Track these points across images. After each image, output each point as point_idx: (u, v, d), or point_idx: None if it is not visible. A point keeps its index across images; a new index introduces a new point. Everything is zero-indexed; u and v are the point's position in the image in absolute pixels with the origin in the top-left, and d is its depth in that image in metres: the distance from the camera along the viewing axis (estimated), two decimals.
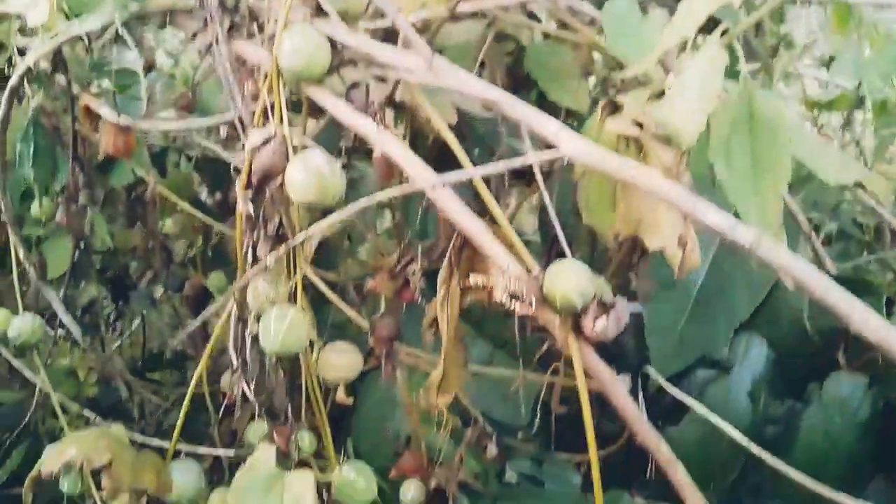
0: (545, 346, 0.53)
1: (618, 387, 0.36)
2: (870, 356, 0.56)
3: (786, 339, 0.59)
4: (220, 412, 0.68)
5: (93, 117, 0.59)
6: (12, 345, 0.53)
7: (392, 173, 0.62)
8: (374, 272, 0.61)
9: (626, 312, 0.35)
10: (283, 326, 0.36)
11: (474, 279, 0.34)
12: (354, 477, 0.41)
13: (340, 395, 0.64)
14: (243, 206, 0.38)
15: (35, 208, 0.64)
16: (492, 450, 0.60)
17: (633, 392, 0.42)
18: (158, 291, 1.14)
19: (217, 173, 0.95)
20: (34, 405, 0.60)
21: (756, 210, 0.39)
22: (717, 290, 0.62)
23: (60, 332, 0.74)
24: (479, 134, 0.64)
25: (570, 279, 0.34)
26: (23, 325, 0.52)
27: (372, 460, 0.61)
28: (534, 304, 0.35)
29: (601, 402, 0.78)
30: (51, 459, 0.39)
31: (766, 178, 0.39)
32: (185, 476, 0.42)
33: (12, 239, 0.50)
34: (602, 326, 0.34)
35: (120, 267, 0.96)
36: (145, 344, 1.13)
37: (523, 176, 0.76)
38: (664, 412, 0.69)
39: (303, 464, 0.43)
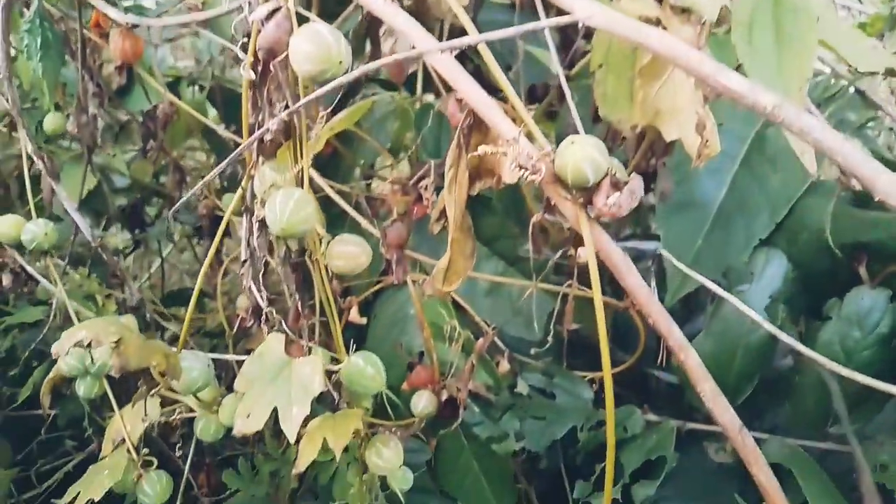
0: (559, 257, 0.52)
1: (629, 266, 0.35)
2: (892, 270, 0.54)
3: (806, 256, 0.57)
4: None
5: (101, 29, 0.59)
6: (27, 250, 0.53)
7: (402, 72, 0.61)
8: (388, 187, 0.61)
9: (641, 189, 0.34)
10: (288, 205, 0.36)
11: (483, 150, 0.33)
12: (363, 364, 0.41)
13: (353, 314, 0.64)
14: (248, 84, 0.38)
15: (47, 122, 0.64)
16: (504, 364, 0.60)
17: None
18: (175, 232, 1.15)
19: (230, 104, 0.94)
20: (52, 316, 0.61)
21: (780, 91, 0.37)
22: (736, 207, 0.61)
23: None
24: (497, 51, 0.63)
25: (583, 151, 0.33)
26: (36, 229, 0.53)
27: (387, 377, 0.61)
28: (544, 177, 0.34)
29: (618, 327, 0.77)
30: (63, 342, 0.39)
31: (791, 57, 0.37)
32: (193, 364, 0.42)
33: (21, 136, 0.50)
34: (615, 200, 0.33)
35: (136, 202, 0.96)
36: (164, 278, 1.14)
37: (539, 100, 0.74)
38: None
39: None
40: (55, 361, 0.80)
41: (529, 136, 0.35)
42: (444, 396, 0.58)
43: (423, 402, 0.57)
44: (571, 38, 0.71)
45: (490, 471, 0.60)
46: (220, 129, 0.92)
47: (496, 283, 0.63)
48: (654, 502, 0.66)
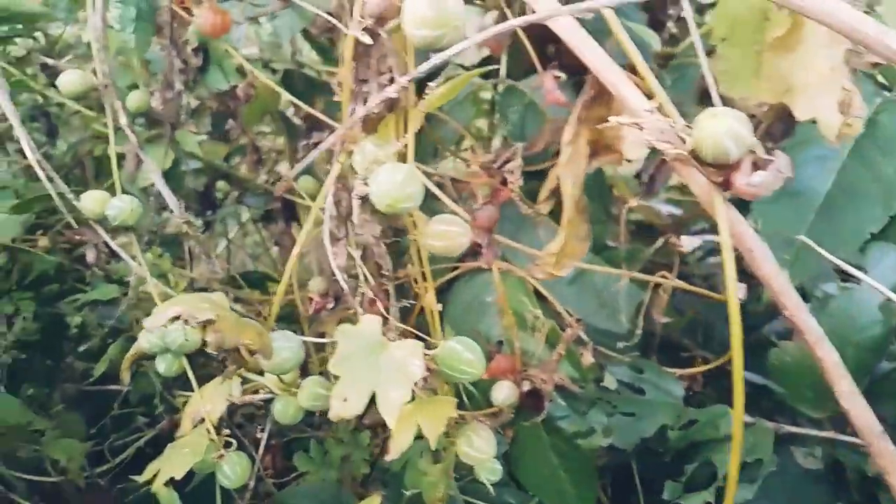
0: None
1: (766, 254, 0.33)
2: None
3: None
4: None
5: (181, 3, 0.58)
6: (112, 224, 0.53)
7: (501, 45, 0.59)
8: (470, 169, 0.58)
9: (788, 168, 0.31)
10: (396, 179, 0.34)
11: (617, 121, 0.30)
12: (461, 349, 0.39)
13: (429, 301, 0.62)
14: (352, 55, 0.36)
15: (131, 99, 0.63)
16: (588, 356, 0.58)
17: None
18: (244, 214, 1.16)
19: (304, 87, 0.94)
20: (131, 292, 0.60)
21: None
22: (845, 198, 0.56)
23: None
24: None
25: (726, 124, 0.30)
26: (122, 204, 0.52)
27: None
28: (679, 153, 0.31)
29: (704, 324, 0.74)
30: (155, 317, 0.38)
31: None
32: (284, 344, 0.41)
33: (108, 110, 0.49)
34: (759, 180, 0.30)
35: (209, 183, 0.97)
36: (229, 260, 1.14)
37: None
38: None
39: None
40: (130, 338, 0.81)
41: (660, 110, 0.32)
42: (526, 387, 0.56)
43: (504, 393, 0.54)
44: (661, 19, 0.67)
45: (570, 465, 0.58)
46: (291, 113, 0.92)
47: (581, 271, 0.60)
48: None
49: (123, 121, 0.49)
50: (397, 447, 0.40)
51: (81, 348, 0.96)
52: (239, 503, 0.68)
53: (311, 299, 0.74)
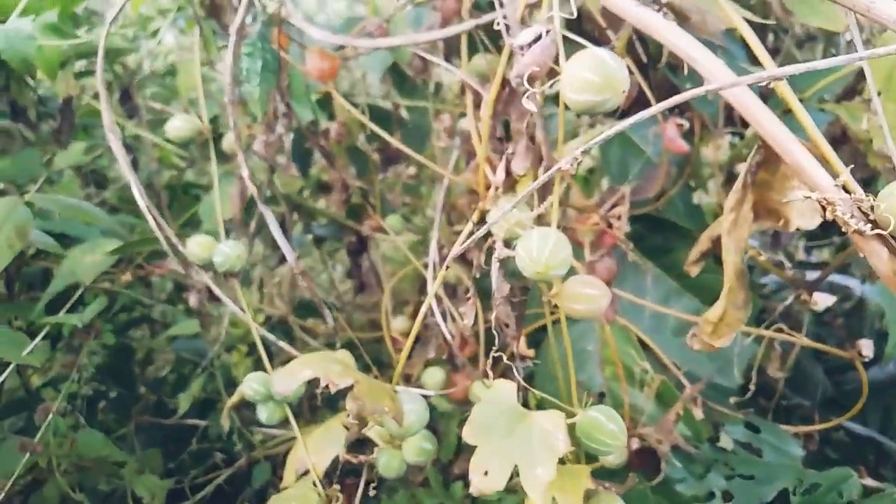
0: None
1: None
2: None
3: None
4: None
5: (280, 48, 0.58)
6: (219, 270, 0.52)
7: (631, 96, 0.57)
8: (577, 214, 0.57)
9: None
10: (547, 246, 0.33)
11: (810, 195, 0.28)
12: (604, 420, 0.37)
13: (522, 347, 0.61)
14: (489, 122, 0.35)
15: (226, 141, 0.64)
16: (697, 412, 0.55)
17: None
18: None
19: (380, 122, 0.93)
20: (222, 332, 0.60)
21: None
22: None
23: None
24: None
25: None
26: (228, 251, 0.52)
27: None
28: (858, 226, 0.29)
29: (830, 371, 0.70)
30: (287, 379, 0.37)
31: None
32: (413, 406, 0.40)
33: (211, 150, 0.49)
34: None
35: (284, 216, 0.97)
36: (294, 289, 1.14)
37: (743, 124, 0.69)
38: None
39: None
40: (211, 373, 0.81)
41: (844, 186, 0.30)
42: (636, 445, 0.53)
43: (616, 452, 0.52)
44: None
45: None
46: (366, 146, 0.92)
47: (687, 322, 0.58)
48: None
49: (245, 173, 0.49)
50: None
51: (156, 380, 0.97)
52: None
53: (394, 339, 0.73)
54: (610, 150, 0.61)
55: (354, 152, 0.88)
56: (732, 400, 0.56)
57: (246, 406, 0.82)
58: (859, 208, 0.29)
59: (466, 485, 0.64)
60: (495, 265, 0.36)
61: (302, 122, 0.70)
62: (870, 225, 0.28)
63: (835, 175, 0.30)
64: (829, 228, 0.87)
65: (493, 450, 0.35)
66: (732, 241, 0.33)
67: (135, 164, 0.92)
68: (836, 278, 0.76)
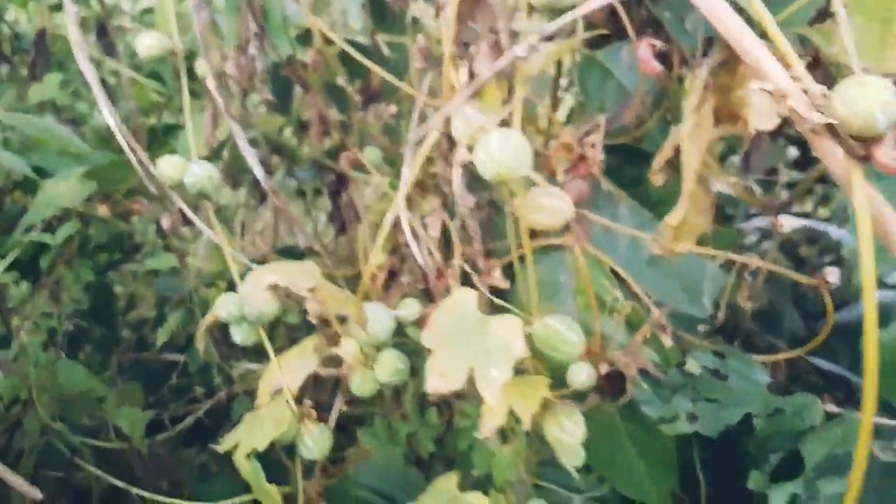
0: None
1: None
2: None
3: None
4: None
5: None
6: (191, 191, 0.52)
7: (604, 14, 0.57)
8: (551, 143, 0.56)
9: None
10: (507, 147, 0.33)
11: (759, 87, 0.28)
12: (562, 329, 0.37)
13: (497, 278, 0.61)
14: (449, 24, 0.34)
15: (200, 66, 0.63)
16: (667, 340, 0.56)
17: None
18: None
19: (359, 61, 0.92)
20: (199, 261, 0.60)
21: None
22: None
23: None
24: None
25: (875, 95, 0.28)
26: (201, 171, 0.52)
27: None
28: (815, 124, 0.29)
29: (806, 317, 0.71)
30: (251, 284, 0.37)
31: None
32: (379, 318, 0.40)
33: (182, 70, 0.48)
34: None
35: (264, 156, 0.96)
36: (276, 233, 1.14)
37: None
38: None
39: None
40: (189, 309, 0.81)
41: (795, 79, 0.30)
42: (605, 370, 0.54)
43: (583, 375, 0.53)
44: None
45: (646, 452, 0.56)
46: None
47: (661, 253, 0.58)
48: (811, 499, 0.61)
49: (212, 84, 0.48)
50: (490, 426, 0.39)
51: (136, 317, 0.97)
52: (297, 477, 0.68)
53: (373, 274, 0.73)
54: (588, 81, 0.60)
55: (334, 91, 0.87)
56: (702, 329, 0.56)
57: (225, 342, 0.83)
58: (814, 105, 0.29)
59: (441, 412, 0.66)
60: (457, 172, 0.36)
61: (281, 56, 0.69)
62: (823, 119, 0.28)
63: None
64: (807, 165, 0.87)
65: (450, 353, 0.36)
66: (693, 145, 0.33)
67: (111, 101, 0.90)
68: (817, 226, 0.77)
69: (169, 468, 0.76)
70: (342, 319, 0.39)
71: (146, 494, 0.73)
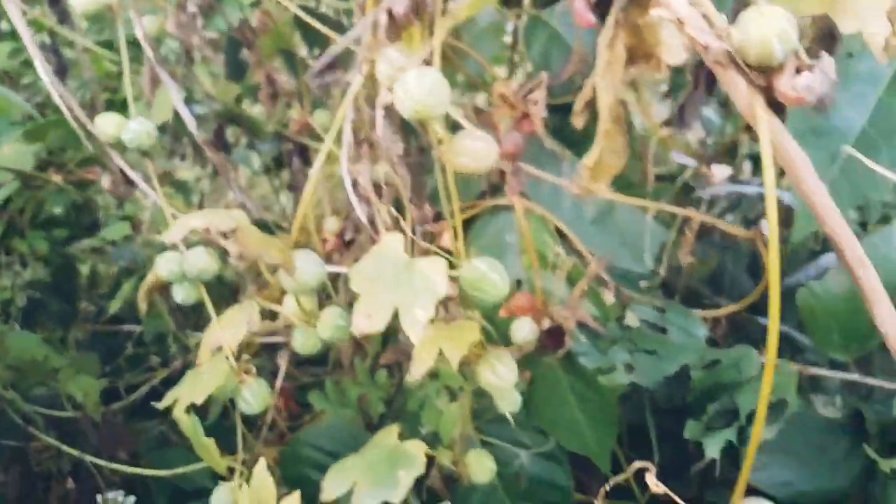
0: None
1: (808, 167, 0.31)
2: None
3: None
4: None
5: None
6: (129, 146, 0.52)
7: None
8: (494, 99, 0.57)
9: (833, 71, 0.30)
10: (423, 84, 0.33)
11: (657, 13, 0.28)
12: (486, 270, 0.38)
13: (446, 239, 0.61)
14: None
15: (148, 23, 0.62)
16: (609, 297, 0.57)
17: None
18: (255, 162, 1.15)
19: (316, 30, 0.92)
20: (145, 225, 0.60)
21: None
22: (881, 136, 0.55)
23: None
24: None
25: (775, 24, 0.28)
26: (139, 127, 0.51)
27: (483, 304, 0.58)
28: (719, 55, 0.29)
29: (725, 273, 0.72)
30: (176, 229, 0.37)
31: None
32: (308, 264, 0.40)
33: (120, 25, 0.48)
34: (806, 82, 0.29)
35: (220, 125, 0.95)
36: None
37: None
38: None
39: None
40: (143, 276, 0.81)
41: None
42: (547, 325, 0.55)
43: (524, 330, 0.54)
44: None
45: (589, 407, 0.57)
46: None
47: (604, 211, 0.59)
48: None
49: (141, 33, 0.48)
50: (419, 369, 0.40)
51: (95, 290, 0.97)
52: (254, 440, 0.68)
53: (325, 240, 0.73)
54: (534, 40, 0.61)
55: (290, 58, 0.86)
56: (645, 285, 0.57)
57: (180, 310, 0.82)
58: (715, 34, 0.30)
59: (391, 373, 0.66)
60: (380, 114, 0.36)
61: (229, 20, 0.69)
62: (722, 46, 0.29)
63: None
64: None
65: (376, 295, 0.36)
66: (607, 82, 0.33)
67: (63, 71, 0.89)
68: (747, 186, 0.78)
69: (125, 438, 0.76)
70: (273, 269, 0.40)
71: (101, 462, 0.73)
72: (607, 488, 0.40)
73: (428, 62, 0.36)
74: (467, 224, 0.66)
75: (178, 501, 0.78)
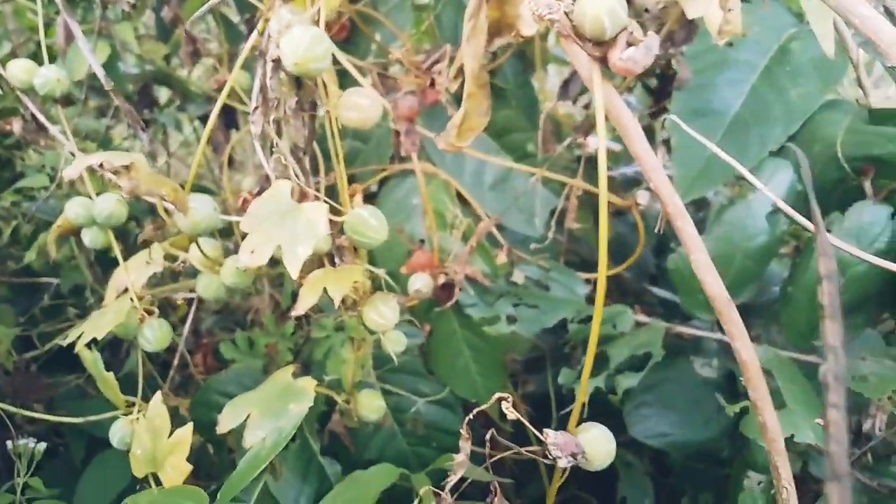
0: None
1: (638, 132, 0.36)
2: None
3: (816, 169, 0.57)
4: None
5: None
6: (40, 93, 0.53)
7: None
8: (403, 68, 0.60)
9: (657, 46, 0.34)
10: (304, 39, 0.36)
11: None
12: (367, 216, 0.42)
13: (357, 202, 0.65)
14: None
15: None
16: (502, 257, 0.61)
17: None
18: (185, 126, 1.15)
19: None
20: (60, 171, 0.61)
21: None
22: (752, 118, 0.60)
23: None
24: None
25: (604, 3, 0.33)
26: (49, 73, 0.53)
27: (386, 261, 0.62)
28: (561, 27, 0.34)
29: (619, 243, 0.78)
30: (74, 167, 0.39)
31: None
32: (201, 205, 0.43)
33: None
34: (630, 55, 0.33)
35: (147, 82, 0.96)
36: (169, 172, 1.14)
37: None
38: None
39: None
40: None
41: None
42: (442, 280, 0.59)
43: (419, 283, 0.58)
44: None
45: (480, 357, 0.62)
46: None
47: (502, 178, 0.63)
48: (636, 407, 0.69)
49: None
50: (303, 306, 0.43)
51: (16, 247, 0.96)
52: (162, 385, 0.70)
53: (244, 199, 0.76)
54: (444, 15, 0.64)
55: (223, 20, 0.87)
56: (533, 247, 0.62)
57: (100, 262, 0.83)
58: (558, 9, 0.34)
59: (300, 325, 0.69)
60: (268, 66, 0.39)
61: None
62: (563, 19, 0.33)
63: None
64: None
65: (262, 234, 0.39)
66: (470, 50, 0.37)
67: None
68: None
69: (39, 387, 0.77)
70: (168, 212, 0.42)
71: (12, 409, 0.74)
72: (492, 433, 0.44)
73: (316, 22, 0.39)
74: (379, 185, 0.70)
75: (93, 451, 0.80)
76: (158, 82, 1.01)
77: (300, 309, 0.42)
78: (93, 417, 0.73)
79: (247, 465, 0.43)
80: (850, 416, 0.57)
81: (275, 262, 0.76)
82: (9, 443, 0.74)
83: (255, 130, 0.43)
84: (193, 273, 0.58)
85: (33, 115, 0.55)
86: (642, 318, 0.61)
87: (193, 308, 0.61)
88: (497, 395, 0.42)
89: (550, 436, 0.38)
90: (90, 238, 0.55)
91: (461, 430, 0.46)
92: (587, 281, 0.62)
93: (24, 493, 0.73)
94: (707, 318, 0.62)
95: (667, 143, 1.11)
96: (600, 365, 0.57)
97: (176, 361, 0.65)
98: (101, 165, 0.38)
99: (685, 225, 0.37)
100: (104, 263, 0.82)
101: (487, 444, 0.37)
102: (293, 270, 0.38)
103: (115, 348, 0.88)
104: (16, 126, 0.55)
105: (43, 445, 0.74)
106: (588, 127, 0.54)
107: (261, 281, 0.73)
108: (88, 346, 0.52)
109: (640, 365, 0.57)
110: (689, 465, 0.97)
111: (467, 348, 0.62)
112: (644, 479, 0.88)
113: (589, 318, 0.58)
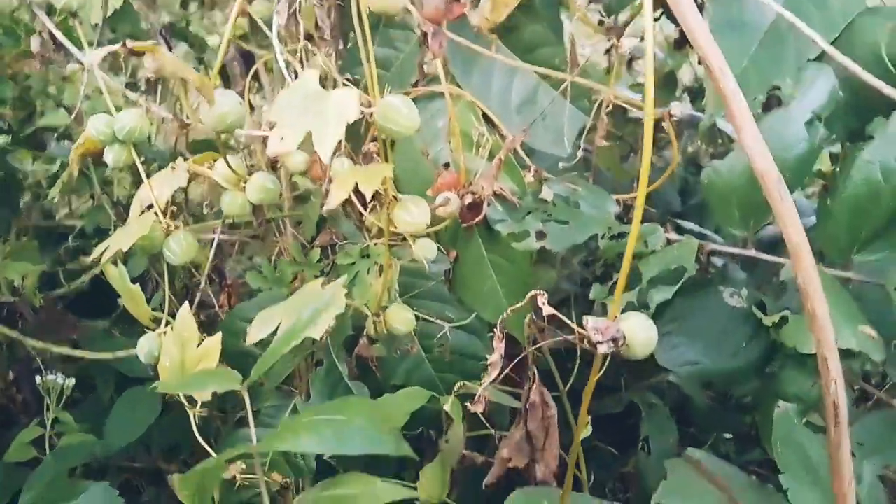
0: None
1: (703, 26, 0.34)
2: None
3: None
4: None
5: None
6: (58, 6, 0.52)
7: None
8: None
9: None
10: None
11: None
12: (399, 104, 0.40)
13: (370, 65, 0.63)
14: None
15: None
16: (530, 177, 0.60)
17: None
18: None
19: None
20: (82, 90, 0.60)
21: None
22: (789, 27, 0.58)
23: None
24: None
25: None
26: None
27: (412, 185, 0.61)
28: None
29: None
30: (94, 53, 0.39)
31: None
32: (226, 98, 0.42)
33: None
34: None
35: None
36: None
37: None
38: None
39: None
40: (85, 174, 0.81)
41: None
42: (469, 200, 0.58)
43: (448, 201, 0.56)
44: None
45: (507, 280, 0.61)
46: None
47: (529, 98, 0.62)
48: (665, 335, 0.67)
49: None
50: (334, 200, 0.42)
51: (39, 192, 0.96)
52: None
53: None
54: None
55: None
56: (561, 166, 0.60)
57: (122, 204, 0.83)
58: None
59: (326, 255, 0.68)
60: None
61: None
62: None
63: None
64: None
65: (291, 121, 0.38)
66: None
67: None
68: None
69: (66, 324, 0.77)
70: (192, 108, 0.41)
71: (39, 345, 0.74)
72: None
73: None
74: None
75: (120, 389, 0.80)
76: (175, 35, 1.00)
77: (332, 203, 0.41)
78: (121, 353, 0.73)
79: (284, 335, 0.42)
80: None
81: (299, 199, 0.75)
82: (38, 378, 0.75)
83: (280, 21, 0.42)
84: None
85: (51, 33, 0.54)
86: (674, 235, 0.60)
87: (214, 246, 0.60)
88: (532, 292, 0.41)
89: (591, 321, 0.37)
90: (113, 156, 0.54)
91: (495, 330, 0.45)
92: (617, 201, 0.61)
93: (52, 427, 0.74)
94: (740, 234, 0.60)
95: (690, 90, 1.09)
96: (633, 284, 0.56)
97: (198, 298, 0.65)
98: (124, 45, 0.37)
99: (729, 86, 0.35)
100: (126, 206, 0.82)
101: (527, 328, 0.36)
102: (324, 155, 0.37)
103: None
104: (34, 44, 0.54)
105: (72, 381, 0.75)
106: (620, 30, 0.52)
107: (283, 222, 0.73)
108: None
109: (671, 278, 0.55)
110: (712, 410, 0.95)
111: (494, 272, 0.61)
112: (668, 419, 0.87)
113: (620, 235, 0.57)
